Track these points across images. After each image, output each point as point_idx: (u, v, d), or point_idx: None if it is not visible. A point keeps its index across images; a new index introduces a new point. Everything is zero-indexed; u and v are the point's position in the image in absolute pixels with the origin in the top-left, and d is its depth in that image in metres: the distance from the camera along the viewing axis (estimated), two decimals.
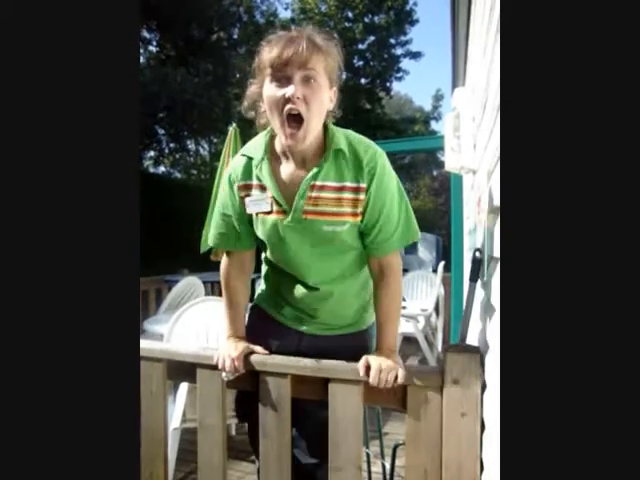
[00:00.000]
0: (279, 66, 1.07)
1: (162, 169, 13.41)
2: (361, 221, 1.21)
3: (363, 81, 12.75)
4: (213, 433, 1.40)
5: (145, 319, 3.72)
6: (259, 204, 1.22)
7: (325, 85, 1.11)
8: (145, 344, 1.48)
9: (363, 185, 1.17)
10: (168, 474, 1.51)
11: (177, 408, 2.29)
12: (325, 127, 1.20)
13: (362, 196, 1.18)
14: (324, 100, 1.13)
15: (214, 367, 1.33)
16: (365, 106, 12.40)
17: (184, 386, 2.31)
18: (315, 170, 1.16)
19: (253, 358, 1.35)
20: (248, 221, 1.29)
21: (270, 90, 1.10)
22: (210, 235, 1.37)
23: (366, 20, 12.22)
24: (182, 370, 1.45)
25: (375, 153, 1.19)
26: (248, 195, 1.24)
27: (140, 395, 1.42)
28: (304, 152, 1.17)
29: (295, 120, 1.09)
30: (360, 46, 12.47)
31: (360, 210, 1.19)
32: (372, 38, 12.44)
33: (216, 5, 9.69)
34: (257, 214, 1.24)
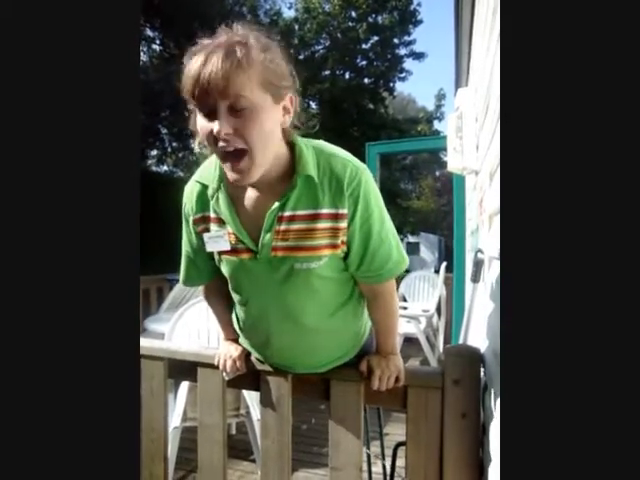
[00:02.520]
0: (199, 96, 0.86)
1: (165, 168, 13.43)
2: (347, 252, 1.03)
3: (366, 81, 12.74)
4: (213, 432, 1.40)
5: (146, 318, 3.73)
6: (218, 242, 1.04)
7: (265, 104, 0.88)
8: (146, 343, 1.48)
9: (343, 211, 0.98)
10: (168, 473, 1.52)
11: (178, 407, 2.29)
12: (292, 145, 0.99)
13: (343, 224, 0.98)
14: (266, 124, 0.89)
15: (215, 366, 1.33)
16: (368, 106, 12.38)
17: (185, 385, 2.31)
18: (282, 200, 0.97)
19: (254, 358, 1.35)
20: (211, 257, 1.12)
21: (200, 122, 0.90)
22: (180, 273, 1.23)
23: (370, 20, 12.20)
24: (183, 369, 1.45)
25: (357, 170, 0.98)
26: (207, 230, 1.06)
27: (140, 394, 1.43)
28: (267, 177, 0.96)
29: (234, 155, 0.89)
30: (364, 46, 12.46)
31: (341, 240, 1.00)
32: (376, 38, 12.42)
33: (219, 4, 9.69)
34: (219, 254, 1.06)
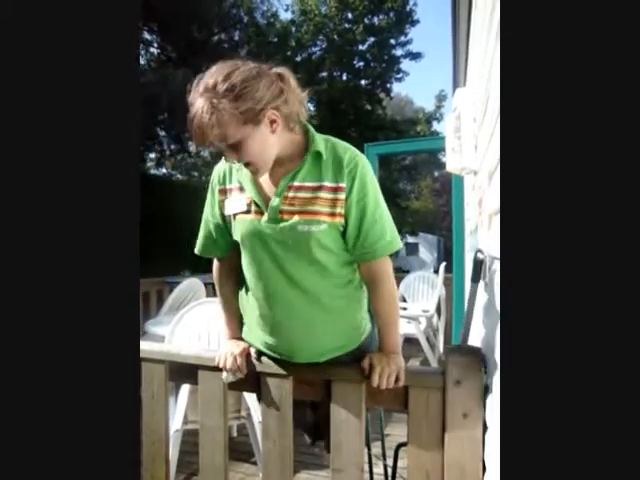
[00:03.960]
0: (204, 143, 1.08)
1: (164, 170, 13.44)
2: (345, 226, 1.17)
3: (363, 82, 12.75)
4: (214, 435, 1.40)
5: (146, 321, 3.73)
6: (236, 204, 1.20)
7: (247, 133, 1.06)
8: (146, 346, 1.48)
9: (342, 185, 1.14)
10: (169, 476, 1.51)
11: (178, 410, 2.29)
12: (306, 131, 1.20)
13: (341, 196, 1.14)
14: (254, 146, 1.08)
15: (216, 369, 1.33)
16: (366, 107, 12.40)
17: (185, 388, 2.31)
18: (294, 171, 1.16)
19: (254, 357, 1.35)
20: (228, 232, 1.27)
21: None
22: (197, 242, 1.36)
23: (366, 21, 12.22)
24: (183, 372, 1.45)
25: (356, 155, 1.18)
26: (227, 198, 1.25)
27: (141, 397, 1.43)
28: (282, 157, 1.16)
29: (246, 164, 1.13)
30: (360, 47, 12.47)
31: (339, 211, 1.15)
32: (372, 39, 12.43)
33: (217, 7, 9.70)
34: (235, 216, 1.21)
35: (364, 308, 1.31)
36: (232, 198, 1.22)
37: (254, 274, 1.23)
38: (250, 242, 1.19)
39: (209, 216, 1.30)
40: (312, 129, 1.20)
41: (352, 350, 1.30)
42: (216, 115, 1.03)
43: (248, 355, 1.33)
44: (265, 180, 1.20)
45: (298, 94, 1.15)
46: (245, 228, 1.19)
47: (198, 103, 1.04)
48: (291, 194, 1.15)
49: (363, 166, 1.17)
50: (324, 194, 1.15)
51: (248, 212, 1.19)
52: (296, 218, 1.14)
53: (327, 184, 1.15)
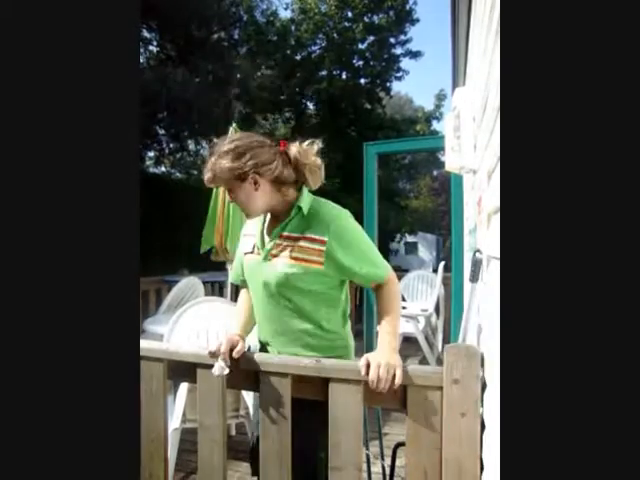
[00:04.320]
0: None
1: (162, 169, 13.41)
2: (342, 268, 1.42)
3: (363, 81, 12.74)
4: (213, 433, 1.40)
5: (145, 319, 3.73)
6: (246, 246, 1.56)
7: (236, 185, 1.41)
8: (145, 344, 1.48)
9: (323, 238, 1.38)
10: (168, 474, 1.51)
11: (177, 408, 2.29)
12: (301, 192, 1.47)
13: (320, 247, 1.39)
14: (240, 195, 1.43)
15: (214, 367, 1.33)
16: (365, 106, 12.39)
17: (184, 386, 2.31)
18: (284, 223, 1.45)
19: (254, 357, 1.35)
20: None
21: None
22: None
23: (366, 20, 12.20)
24: (182, 370, 1.45)
25: (336, 212, 1.45)
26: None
27: (140, 395, 1.42)
28: (277, 211, 1.48)
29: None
30: (360, 46, 12.46)
31: (316, 259, 1.40)
32: (372, 38, 12.41)
33: (216, 5, 9.68)
34: (245, 254, 1.56)
35: (341, 331, 1.52)
36: (246, 241, 1.58)
37: (253, 297, 1.57)
38: (249, 274, 1.54)
39: (238, 254, 1.64)
40: (306, 191, 1.48)
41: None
42: (215, 168, 1.40)
43: (246, 353, 1.38)
44: (267, 227, 1.52)
45: (307, 164, 1.44)
46: (247, 263, 1.54)
47: (210, 158, 1.42)
48: (279, 241, 1.44)
49: (341, 219, 1.42)
50: (304, 243, 1.40)
51: (252, 252, 1.52)
52: (279, 260, 1.42)
53: (309, 235, 1.40)
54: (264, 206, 1.46)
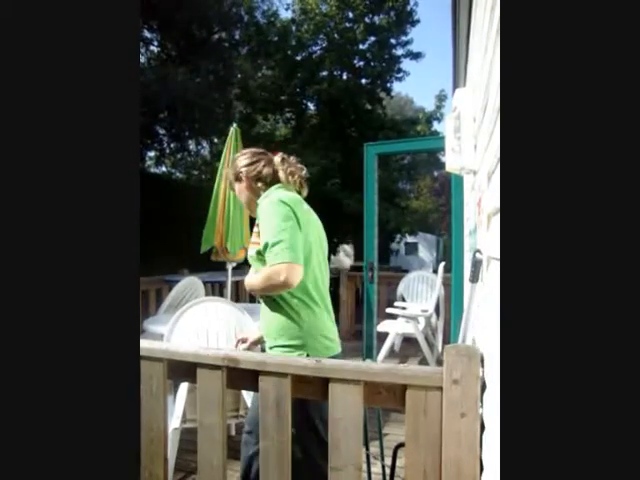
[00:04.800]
0: None
1: (163, 169, 13.41)
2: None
3: (364, 81, 12.73)
4: (213, 433, 1.40)
5: (145, 319, 3.72)
6: None
7: (238, 185, 1.90)
8: (145, 344, 1.48)
9: (258, 221, 1.72)
10: (168, 474, 1.51)
11: (177, 408, 2.29)
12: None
13: (257, 229, 1.70)
14: (239, 191, 1.92)
15: (214, 367, 1.33)
16: (366, 106, 12.38)
17: (184, 386, 2.31)
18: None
19: (254, 357, 1.35)
20: None
21: None
22: None
23: (367, 20, 12.19)
24: (182, 370, 1.45)
25: (265, 198, 1.77)
26: None
27: (140, 395, 1.42)
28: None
29: None
30: (361, 46, 12.45)
31: (257, 240, 1.68)
32: (373, 38, 12.41)
33: (217, 6, 9.67)
34: None
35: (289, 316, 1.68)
36: None
37: None
38: None
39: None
40: (272, 189, 1.82)
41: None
42: (228, 173, 1.97)
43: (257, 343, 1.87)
44: None
45: (285, 170, 1.85)
46: None
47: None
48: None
49: (263, 203, 1.73)
50: (255, 229, 1.73)
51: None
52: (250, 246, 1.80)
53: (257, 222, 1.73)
54: (248, 202, 1.93)
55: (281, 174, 1.83)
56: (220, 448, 1.39)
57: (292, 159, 1.89)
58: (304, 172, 1.88)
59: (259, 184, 1.83)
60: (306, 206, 1.78)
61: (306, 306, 1.67)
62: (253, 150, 1.92)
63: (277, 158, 1.86)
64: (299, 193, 1.87)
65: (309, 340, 1.64)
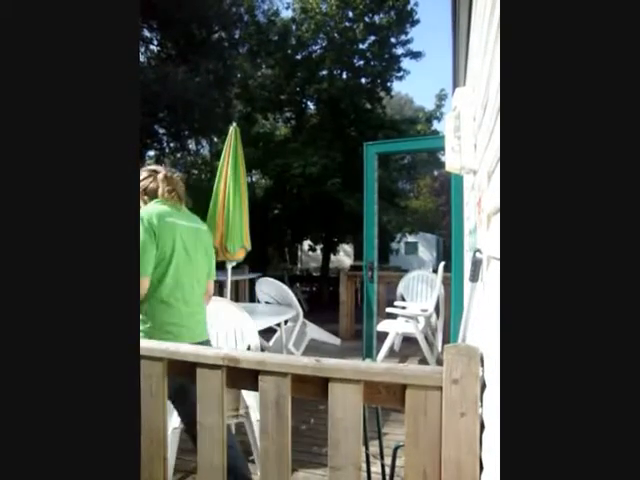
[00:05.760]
0: None
1: None
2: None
3: (364, 81, 12.72)
4: (213, 433, 1.40)
5: None
6: None
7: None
8: (145, 343, 1.48)
9: None
10: (167, 474, 1.51)
11: None
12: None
13: None
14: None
15: (214, 366, 1.33)
16: (366, 106, 12.36)
17: None
18: None
19: (254, 357, 1.35)
20: None
21: None
22: None
23: (367, 20, 12.17)
24: (182, 369, 1.45)
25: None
26: None
27: (140, 394, 1.42)
28: None
29: None
30: (361, 46, 12.43)
31: None
32: (373, 38, 12.39)
33: (217, 5, 9.67)
34: None
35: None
36: None
37: None
38: None
39: None
40: (150, 203, 2.12)
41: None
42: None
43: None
44: None
45: (164, 187, 2.18)
46: None
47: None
48: None
49: None
50: None
51: None
52: None
53: None
54: None
55: (159, 190, 2.16)
56: (220, 448, 1.39)
57: (176, 176, 2.26)
58: (182, 189, 2.26)
59: (145, 197, 2.15)
60: (174, 218, 2.09)
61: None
62: (150, 167, 2.26)
63: (160, 175, 2.18)
64: (178, 206, 2.19)
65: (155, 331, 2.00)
